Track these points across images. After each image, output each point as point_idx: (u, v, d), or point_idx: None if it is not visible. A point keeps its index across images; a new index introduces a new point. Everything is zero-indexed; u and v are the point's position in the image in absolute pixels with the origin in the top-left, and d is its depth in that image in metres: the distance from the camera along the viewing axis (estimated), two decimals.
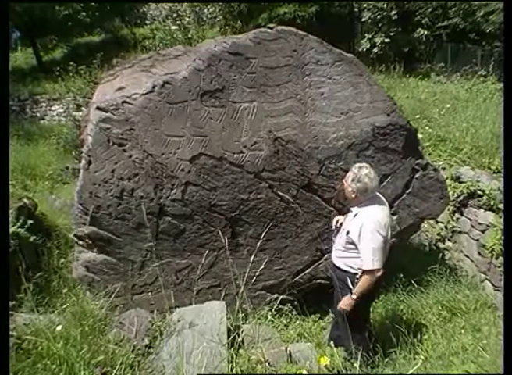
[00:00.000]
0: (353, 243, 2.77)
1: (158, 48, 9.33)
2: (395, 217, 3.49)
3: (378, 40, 10.30)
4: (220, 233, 3.17)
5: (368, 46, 10.44)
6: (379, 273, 2.70)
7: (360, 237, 2.71)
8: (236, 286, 3.20)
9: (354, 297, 2.77)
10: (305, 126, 3.23)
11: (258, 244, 3.21)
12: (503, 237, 3.54)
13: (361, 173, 2.71)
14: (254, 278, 3.03)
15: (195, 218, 3.25)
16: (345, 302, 2.82)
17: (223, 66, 3.11)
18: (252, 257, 3.11)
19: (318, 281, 3.56)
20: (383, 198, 2.91)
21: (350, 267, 2.83)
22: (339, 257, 2.93)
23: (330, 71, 3.24)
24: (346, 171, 3.28)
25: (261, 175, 3.23)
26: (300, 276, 3.52)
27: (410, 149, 3.43)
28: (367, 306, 3.01)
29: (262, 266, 2.96)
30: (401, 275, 3.72)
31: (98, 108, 3.10)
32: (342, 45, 4.55)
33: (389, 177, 3.42)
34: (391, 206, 3.45)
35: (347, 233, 2.81)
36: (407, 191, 3.50)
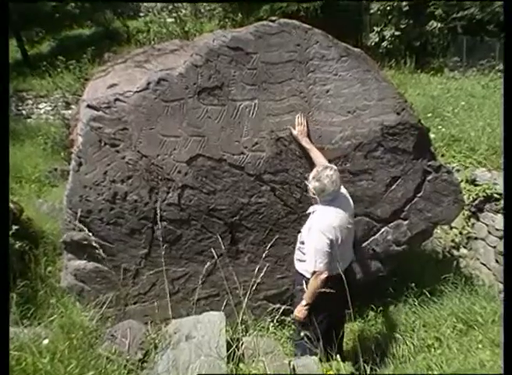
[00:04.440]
0: (304, 243, 2.91)
1: (152, 42, 9.36)
2: (405, 222, 3.52)
3: (387, 33, 10.28)
4: (219, 239, 3.19)
5: (377, 40, 10.43)
6: (323, 276, 2.78)
7: (308, 237, 2.85)
8: (236, 296, 3.22)
9: (304, 303, 2.87)
10: (309, 125, 3.25)
11: (260, 251, 3.24)
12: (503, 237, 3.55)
13: (323, 173, 2.82)
14: (256, 287, 3.05)
15: (192, 223, 3.28)
16: (298, 310, 2.92)
17: (222, 62, 3.14)
18: (253, 265, 3.14)
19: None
20: (349, 205, 2.99)
21: (306, 271, 2.92)
22: (297, 259, 3.04)
23: (336, 67, 3.27)
24: (354, 173, 3.35)
25: (263, 177, 3.26)
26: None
27: (421, 150, 3.45)
28: (324, 317, 2.97)
29: (264, 275, 2.98)
30: (412, 284, 3.74)
31: (89, 106, 3.13)
32: (349, 39, 4.58)
33: (399, 180, 3.44)
34: (401, 210, 3.49)
35: (299, 232, 2.96)
36: (419, 195, 3.52)
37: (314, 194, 2.89)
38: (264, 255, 3.09)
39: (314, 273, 2.80)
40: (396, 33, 10.22)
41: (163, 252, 3.24)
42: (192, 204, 3.23)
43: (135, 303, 3.43)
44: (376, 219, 3.49)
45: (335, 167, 2.96)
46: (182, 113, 3.12)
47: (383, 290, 3.77)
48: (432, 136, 4.40)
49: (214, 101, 3.15)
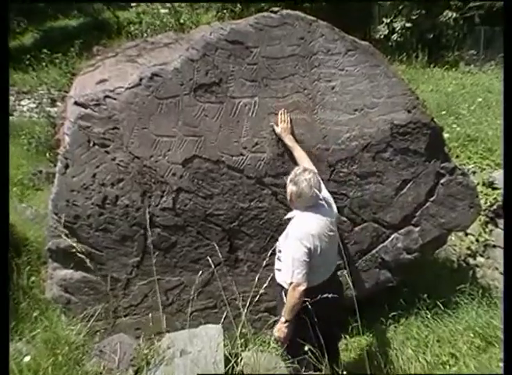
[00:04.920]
0: (281, 252, 2.90)
1: (145, 35, 9.39)
2: (417, 229, 3.55)
3: (398, 25, 10.32)
4: (217, 246, 3.22)
5: (387, 32, 10.46)
6: (301, 288, 2.72)
7: (285, 246, 2.84)
8: (234, 307, 3.25)
9: (283, 320, 2.79)
10: (314, 124, 3.29)
11: (261, 259, 3.27)
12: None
13: (300, 177, 2.80)
14: (256, 298, 3.07)
15: (188, 229, 3.31)
16: (277, 328, 2.83)
17: (220, 56, 3.18)
18: (253, 274, 3.16)
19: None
20: (331, 210, 2.98)
21: (284, 282, 2.89)
22: (276, 269, 3.01)
23: (342, 61, 3.31)
24: (361, 176, 3.39)
25: (264, 180, 3.30)
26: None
27: (434, 151, 3.48)
28: (309, 337, 2.81)
29: (265, 285, 3.00)
30: (425, 296, 3.74)
31: (77, 103, 3.17)
32: (356, 32, 4.62)
33: (411, 183, 3.47)
34: (412, 216, 3.52)
35: (277, 239, 2.96)
36: (431, 199, 3.55)
37: (290, 198, 2.90)
38: (265, 264, 3.12)
39: (291, 284, 2.75)
40: (407, 24, 10.24)
41: (156, 261, 3.29)
42: (187, 209, 3.26)
43: (126, 316, 3.46)
44: (385, 226, 3.52)
45: (314, 170, 2.97)
46: (177, 111, 3.15)
47: (393, 301, 3.78)
48: (446, 135, 4.44)
49: (211, 99, 3.18)
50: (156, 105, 3.14)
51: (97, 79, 3.29)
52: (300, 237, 2.76)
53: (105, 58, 3.60)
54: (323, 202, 2.93)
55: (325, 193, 3.01)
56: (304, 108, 3.28)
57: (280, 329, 2.80)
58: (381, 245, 3.56)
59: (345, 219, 3.46)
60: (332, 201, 3.06)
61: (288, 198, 2.93)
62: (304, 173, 2.83)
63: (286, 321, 2.78)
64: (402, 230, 3.56)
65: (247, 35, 3.21)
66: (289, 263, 2.76)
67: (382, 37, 10.48)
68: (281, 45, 3.24)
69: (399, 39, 10.32)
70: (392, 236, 3.56)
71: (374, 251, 3.56)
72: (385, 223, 3.51)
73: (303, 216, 2.85)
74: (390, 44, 10.29)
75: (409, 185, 3.47)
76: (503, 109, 2.63)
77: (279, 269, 2.95)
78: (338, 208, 3.40)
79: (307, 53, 3.27)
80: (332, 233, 2.89)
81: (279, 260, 2.95)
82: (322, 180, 3.31)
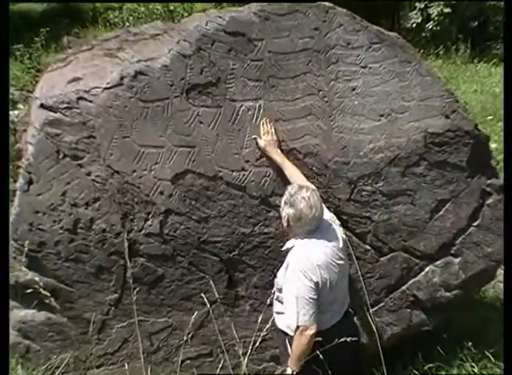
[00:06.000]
0: (281, 290, 2.91)
1: (127, 24, 9.43)
2: (457, 260, 3.58)
3: (434, 10, 10.23)
4: (212, 281, 3.26)
5: (420, 20, 10.36)
6: (310, 332, 2.74)
7: (285, 280, 2.86)
8: (234, 355, 3.27)
9: (289, 371, 2.80)
10: (330, 133, 3.36)
11: (265, 296, 3.28)
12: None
13: (297, 196, 2.84)
14: (259, 344, 3.09)
15: (178, 260, 3.34)
16: None
17: (218, 51, 3.26)
18: (257, 314, 3.17)
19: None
20: (337, 234, 3.01)
21: (287, 327, 2.91)
22: (276, 312, 3.04)
23: (365, 57, 3.38)
24: (388, 195, 3.43)
25: (270, 200, 3.35)
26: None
27: (478, 164, 3.52)
28: None
29: (270, 327, 3.00)
30: (469, 344, 3.73)
31: (43, 106, 3.22)
32: (382, 20, 4.70)
33: (449, 204, 3.50)
34: (452, 244, 3.55)
35: (275, 276, 2.97)
36: (475, 224, 3.57)
37: (288, 224, 2.93)
38: (269, 302, 3.14)
39: (297, 328, 2.76)
40: (446, 10, 10.12)
41: (138, 298, 3.29)
42: (178, 234, 3.30)
43: (99, 366, 3.46)
44: (418, 256, 3.54)
45: (313, 187, 3.00)
46: (165, 117, 3.22)
47: (429, 350, 3.77)
48: (492, 146, 4.45)
49: (207, 102, 3.25)
50: (140, 110, 3.20)
51: (69, 77, 3.32)
52: (304, 269, 2.78)
53: (78, 52, 3.61)
54: (327, 225, 2.98)
55: (327, 214, 3.05)
56: (318, 114, 3.35)
57: None
58: (413, 280, 3.57)
59: (368, 247, 3.49)
60: (337, 223, 3.11)
61: (284, 224, 2.97)
62: (301, 192, 2.86)
63: (293, 373, 2.79)
64: (439, 262, 3.57)
65: (250, 25, 3.29)
66: (293, 303, 2.77)
67: (414, 26, 10.36)
68: (291, 38, 3.32)
69: (435, 28, 10.21)
70: (427, 269, 3.57)
71: (404, 288, 3.58)
72: (418, 253, 3.53)
73: (304, 244, 2.88)
74: (424, 34, 10.21)
75: (447, 206, 3.50)
76: (503, 109, 2.71)
77: (281, 313, 2.97)
78: (360, 234, 3.47)
79: (323, 47, 3.35)
80: (341, 262, 2.93)
81: (280, 302, 2.98)
82: (340, 200, 3.38)
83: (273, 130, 3.26)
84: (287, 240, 3.05)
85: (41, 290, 3.08)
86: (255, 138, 3.28)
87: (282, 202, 2.94)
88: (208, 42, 3.25)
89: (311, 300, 2.76)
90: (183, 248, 3.33)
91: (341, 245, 2.99)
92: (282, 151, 3.27)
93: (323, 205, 3.00)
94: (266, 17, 3.30)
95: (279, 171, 3.29)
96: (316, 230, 2.91)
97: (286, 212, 2.89)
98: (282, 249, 3.05)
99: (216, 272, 3.38)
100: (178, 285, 3.39)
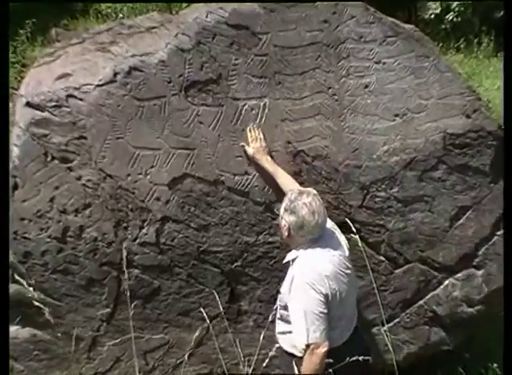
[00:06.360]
0: (286, 306, 2.86)
1: (120, 16, 9.42)
2: (480, 272, 3.56)
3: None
4: (213, 294, 3.25)
5: (439, 10, 10.33)
6: (322, 350, 2.70)
7: (290, 295, 2.80)
8: None
9: None
10: (341, 134, 3.35)
11: (270, 310, 3.21)
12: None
13: (298, 202, 2.80)
14: (265, 363, 3.06)
15: (176, 271, 3.34)
16: None
17: (219, 45, 3.25)
18: (261, 330, 3.14)
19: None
20: (341, 240, 2.99)
21: (294, 347, 2.87)
22: (279, 332, 3.01)
23: (379, 51, 3.37)
24: (404, 202, 3.41)
25: (275, 207, 3.33)
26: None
27: (503, 168, 3.47)
28: None
29: (277, 345, 2.99)
30: (495, 365, 3.70)
31: (30, 104, 3.21)
32: (398, 11, 4.68)
33: (470, 211, 3.49)
34: (474, 255, 3.54)
35: (278, 292, 2.93)
36: (499, 233, 3.55)
37: (289, 233, 2.89)
38: (275, 316, 3.11)
39: (307, 347, 2.71)
40: None
41: (133, 313, 3.21)
42: (175, 244, 3.29)
43: None
44: (437, 268, 3.53)
45: (314, 191, 2.94)
46: (162, 117, 3.21)
47: (449, 371, 3.76)
48: None
49: (207, 100, 3.24)
50: (135, 109, 3.19)
51: (57, 73, 3.31)
52: (311, 281, 2.73)
53: (68, 46, 3.60)
54: (330, 233, 2.96)
55: (328, 221, 3.02)
56: (328, 113, 3.34)
57: None
58: (431, 294, 3.56)
59: (382, 258, 3.48)
60: (339, 231, 3.08)
61: (284, 234, 2.93)
62: (302, 197, 2.82)
63: None
64: (459, 274, 3.56)
65: (253, 17, 3.28)
66: (301, 319, 2.72)
67: (432, 17, 10.36)
68: (298, 31, 3.31)
69: (455, 19, 10.13)
70: (447, 282, 3.56)
71: (422, 302, 3.57)
72: (437, 265, 3.52)
73: (309, 254, 2.84)
74: (444, 26, 10.19)
75: (468, 214, 3.48)
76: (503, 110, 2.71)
77: (285, 332, 2.94)
78: (373, 243, 3.47)
79: (333, 41, 3.33)
80: (349, 272, 2.91)
81: (284, 320, 2.94)
82: (351, 206, 3.38)
83: (261, 136, 3.24)
84: (288, 251, 3.02)
85: (27, 304, 3.07)
86: (243, 146, 3.27)
87: (282, 210, 2.90)
88: (209, 36, 3.24)
89: (321, 314, 2.72)
90: (180, 258, 3.32)
91: (347, 254, 2.98)
92: (271, 158, 3.26)
93: (326, 211, 2.94)
94: (271, 9, 3.29)
95: (269, 180, 3.28)
96: (319, 238, 2.88)
97: (287, 220, 2.85)
98: (284, 262, 3.01)
99: (217, 284, 3.37)
100: (175, 299, 3.38)
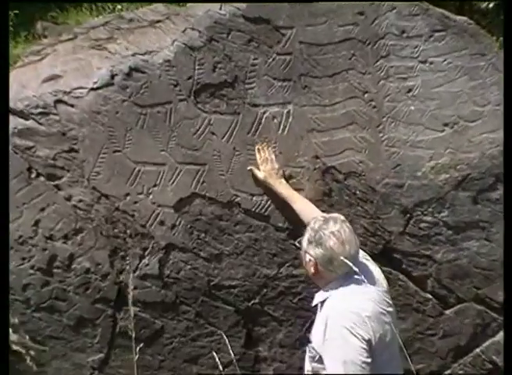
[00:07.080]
0: (319, 358, 2.75)
1: (119, 8, 9.54)
2: None
3: None
4: (226, 338, 3.17)
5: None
6: None
7: (325, 344, 2.70)
8: None
9: None
10: (379, 147, 3.33)
11: (295, 357, 3.22)
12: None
13: (324, 231, 2.73)
14: None
15: (182, 309, 3.30)
16: None
17: (235, 43, 3.24)
18: None
19: None
20: (376, 273, 2.91)
21: None
22: None
23: (425, 49, 3.36)
24: (455, 228, 3.38)
25: (300, 234, 3.28)
26: None
27: None
28: None
29: None
30: None
31: (12, 111, 3.19)
32: (448, 0, 4.65)
33: None
34: None
35: (308, 340, 2.85)
36: None
37: (316, 269, 2.82)
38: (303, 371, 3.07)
39: None
40: None
41: (129, 359, 3.23)
42: (182, 277, 3.27)
43: None
44: (496, 308, 3.48)
45: (341, 217, 2.86)
46: (168, 126, 3.19)
47: None
48: None
49: (221, 107, 3.23)
50: (136, 116, 3.18)
51: (45, 74, 3.33)
52: (350, 325, 2.64)
53: (57, 43, 3.64)
54: (363, 264, 2.87)
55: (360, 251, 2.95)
56: (363, 123, 3.32)
57: None
58: (490, 341, 3.52)
59: (429, 296, 3.45)
60: (371, 261, 3.01)
61: (310, 271, 2.85)
62: (328, 225, 2.76)
63: None
64: None
65: (275, 9, 3.27)
66: (340, 371, 2.63)
67: (490, 6, 10.41)
68: (328, 25, 3.31)
69: None
70: None
71: (478, 351, 3.53)
72: (496, 305, 3.47)
73: (342, 293, 2.76)
74: (503, 17, 10.27)
75: None
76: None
77: None
78: (418, 278, 3.44)
79: (370, 37, 3.33)
80: (391, 309, 2.82)
81: (313, 371, 2.84)
82: (391, 233, 3.34)
83: (273, 157, 3.22)
84: (315, 290, 2.94)
85: (13, 346, 3.08)
86: (251, 170, 3.25)
87: (305, 242, 2.83)
88: (223, 31, 3.24)
89: (363, 365, 2.61)
90: (188, 294, 3.29)
91: (386, 287, 2.90)
92: (287, 181, 3.24)
93: (358, 240, 2.84)
94: None
95: (286, 208, 3.24)
96: (353, 272, 2.77)
97: (312, 254, 2.77)
98: (313, 304, 2.92)
99: (231, 326, 3.34)
100: (181, 342, 3.34)
